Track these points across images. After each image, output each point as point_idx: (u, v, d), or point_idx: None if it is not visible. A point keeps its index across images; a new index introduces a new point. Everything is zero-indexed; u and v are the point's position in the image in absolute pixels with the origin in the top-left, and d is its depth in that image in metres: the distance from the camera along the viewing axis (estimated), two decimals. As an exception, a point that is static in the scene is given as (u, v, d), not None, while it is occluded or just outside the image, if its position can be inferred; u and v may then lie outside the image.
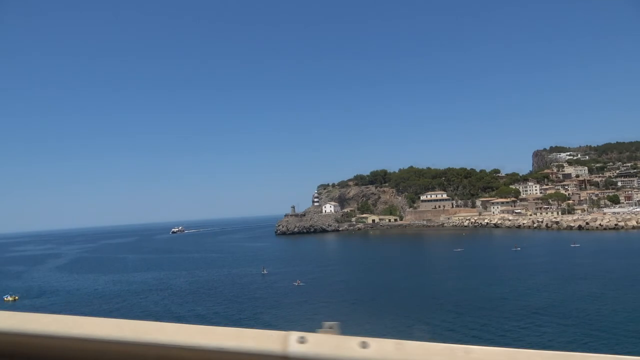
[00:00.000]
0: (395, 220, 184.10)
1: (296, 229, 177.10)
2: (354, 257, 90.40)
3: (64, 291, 62.54)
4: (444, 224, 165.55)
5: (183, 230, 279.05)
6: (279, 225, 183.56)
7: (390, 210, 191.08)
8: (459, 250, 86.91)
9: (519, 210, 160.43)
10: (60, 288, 65.59)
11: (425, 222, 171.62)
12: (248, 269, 75.10)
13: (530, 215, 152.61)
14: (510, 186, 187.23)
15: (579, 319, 33.44)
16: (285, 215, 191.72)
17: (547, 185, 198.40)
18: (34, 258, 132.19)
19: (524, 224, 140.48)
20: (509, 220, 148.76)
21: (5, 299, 57.20)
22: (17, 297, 57.33)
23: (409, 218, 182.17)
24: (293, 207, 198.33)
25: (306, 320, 37.72)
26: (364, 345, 1.49)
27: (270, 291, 53.61)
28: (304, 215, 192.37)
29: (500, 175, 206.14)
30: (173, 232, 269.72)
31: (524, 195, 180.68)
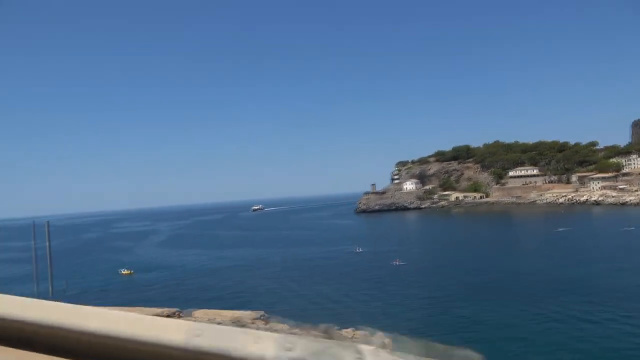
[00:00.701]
0: (481, 197, 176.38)
1: (377, 207, 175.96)
2: (445, 236, 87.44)
3: (173, 266, 66.25)
4: (535, 201, 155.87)
5: (263, 209, 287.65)
6: (359, 203, 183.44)
7: (475, 187, 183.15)
8: (563, 229, 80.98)
9: (623, 186, 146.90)
10: (168, 264, 69.61)
11: (514, 200, 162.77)
12: (340, 247, 75.17)
13: (637, 191, 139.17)
14: (611, 159, 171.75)
15: None
16: (365, 193, 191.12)
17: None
18: (137, 234, 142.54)
19: (631, 200, 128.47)
20: (613, 196, 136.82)
21: (121, 272, 61.69)
22: (132, 272, 61.59)
23: (496, 195, 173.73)
24: (374, 185, 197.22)
25: (426, 302, 36.64)
26: None
27: (373, 271, 52.94)
28: (384, 193, 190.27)
29: (598, 148, 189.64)
30: (254, 210, 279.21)
31: (627, 170, 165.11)
